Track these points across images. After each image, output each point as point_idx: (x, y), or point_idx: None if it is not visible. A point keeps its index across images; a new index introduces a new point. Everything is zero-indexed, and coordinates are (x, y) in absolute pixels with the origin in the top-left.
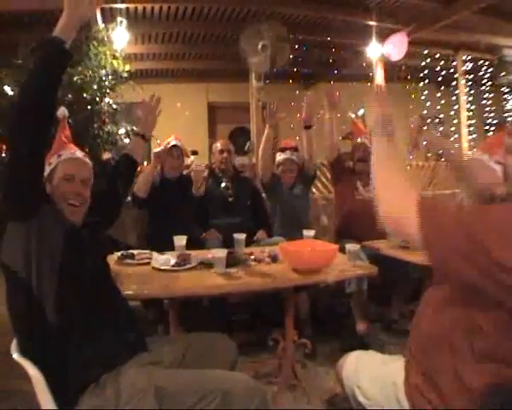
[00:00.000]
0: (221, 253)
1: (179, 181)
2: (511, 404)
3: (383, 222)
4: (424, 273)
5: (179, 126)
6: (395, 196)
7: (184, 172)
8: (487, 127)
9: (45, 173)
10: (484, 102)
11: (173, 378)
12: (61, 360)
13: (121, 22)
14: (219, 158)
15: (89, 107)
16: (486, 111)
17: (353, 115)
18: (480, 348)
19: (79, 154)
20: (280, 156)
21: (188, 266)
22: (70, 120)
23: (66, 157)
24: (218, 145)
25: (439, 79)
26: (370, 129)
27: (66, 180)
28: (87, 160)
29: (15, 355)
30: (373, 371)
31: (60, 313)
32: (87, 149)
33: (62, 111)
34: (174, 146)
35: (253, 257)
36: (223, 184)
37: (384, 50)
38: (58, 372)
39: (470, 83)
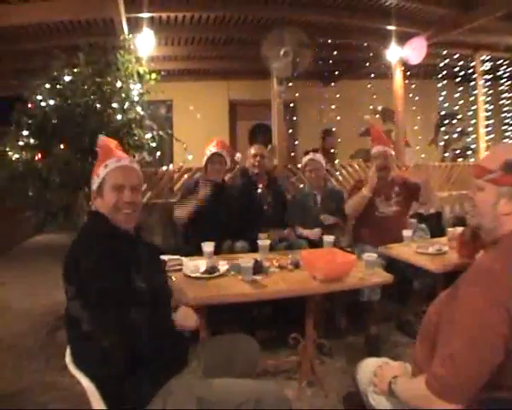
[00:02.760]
0: (248, 262)
1: (220, 186)
2: None
3: None
4: (437, 278)
5: (201, 123)
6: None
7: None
8: (505, 127)
9: (94, 187)
10: (502, 101)
11: (212, 388)
12: (118, 378)
13: (148, 33)
14: (252, 161)
15: (119, 117)
16: (505, 111)
17: (368, 117)
18: None
19: (126, 160)
20: (305, 158)
21: (217, 273)
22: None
23: (113, 166)
24: (252, 150)
25: (458, 78)
26: None
27: (116, 190)
28: (135, 165)
29: (72, 369)
30: None
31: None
32: None
33: None
34: (216, 153)
35: (276, 264)
36: (259, 190)
37: (403, 54)
38: (114, 388)
39: (489, 82)
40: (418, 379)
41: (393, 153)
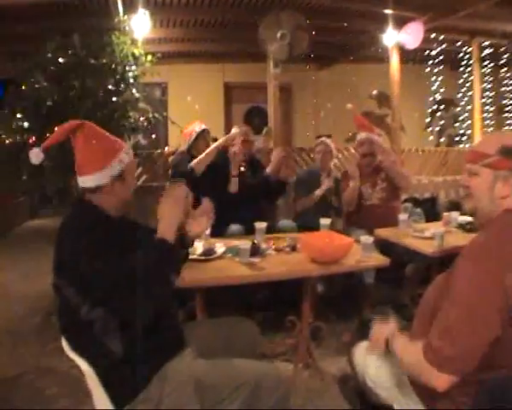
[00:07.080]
0: (245, 244)
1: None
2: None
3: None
4: (433, 260)
5: (196, 106)
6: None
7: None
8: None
9: (115, 172)
10: (503, 88)
11: (210, 370)
12: (115, 362)
13: (144, 13)
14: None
15: (114, 98)
16: (504, 97)
17: (350, 106)
18: None
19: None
20: (317, 141)
21: (214, 255)
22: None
23: (131, 154)
24: (233, 131)
25: (454, 63)
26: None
27: (134, 177)
28: None
29: (70, 354)
30: (380, 361)
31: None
32: None
33: None
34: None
35: (273, 247)
36: (242, 169)
37: (400, 38)
38: (112, 371)
39: (485, 68)
40: (416, 344)
41: (379, 138)
